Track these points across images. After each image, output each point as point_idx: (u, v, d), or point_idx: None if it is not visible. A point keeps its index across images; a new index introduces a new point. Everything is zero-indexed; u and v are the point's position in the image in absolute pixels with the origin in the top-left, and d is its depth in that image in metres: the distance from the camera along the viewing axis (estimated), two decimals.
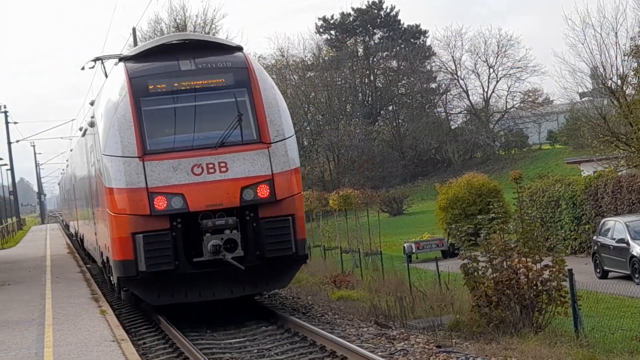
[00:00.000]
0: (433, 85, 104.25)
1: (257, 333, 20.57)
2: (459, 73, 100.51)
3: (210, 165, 20.58)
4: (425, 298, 23.65)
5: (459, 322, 20.23)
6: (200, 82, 21.43)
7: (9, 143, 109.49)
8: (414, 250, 42.29)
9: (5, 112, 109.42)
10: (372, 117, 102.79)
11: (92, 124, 24.39)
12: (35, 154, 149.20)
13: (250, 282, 21.36)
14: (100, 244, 26.06)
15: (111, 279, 23.85)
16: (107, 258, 23.64)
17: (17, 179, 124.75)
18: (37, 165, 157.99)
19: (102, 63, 26.88)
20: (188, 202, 20.39)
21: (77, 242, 52.13)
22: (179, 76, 21.41)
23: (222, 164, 20.61)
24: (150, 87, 21.27)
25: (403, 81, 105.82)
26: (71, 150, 50.89)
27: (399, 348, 17.63)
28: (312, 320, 21.61)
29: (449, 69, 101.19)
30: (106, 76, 25.01)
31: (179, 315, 23.20)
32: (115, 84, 21.77)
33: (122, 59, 22.48)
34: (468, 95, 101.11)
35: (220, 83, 21.51)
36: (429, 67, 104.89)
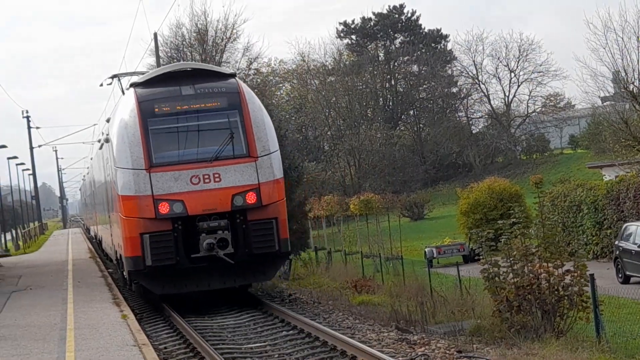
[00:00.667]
0: (454, 90, 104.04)
1: (277, 338, 20.63)
2: (480, 77, 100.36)
3: (206, 176, 23.89)
4: (446, 303, 23.58)
5: (480, 327, 20.16)
6: (199, 105, 24.87)
7: (31, 148, 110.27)
8: (435, 255, 42.22)
9: (28, 117, 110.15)
10: (393, 121, 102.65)
11: (107, 140, 27.80)
12: (57, 158, 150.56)
13: (240, 275, 24.54)
14: (115, 244, 29.18)
15: (123, 273, 26.89)
16: (120, 255, 26.69)
17: (39, 184, 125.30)
18: (59, 170, 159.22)
19: (119, 80, 30.24)
20: (187, 207, 23.74)
21: (96, 244, 52.42)
22: (181, 100, 24.87)
23: (216, 175, 23.91)
24: (156, 109, 24.68)
25: (424, 86, 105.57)
26: (91, 158, 52.06)
27: (419, 353, 17.63)
28: (333, 325, 21.68)
29: (470, 73, 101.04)
30: (122, 92, 28.35)
31: (201, 320, 23.37)
32: (126, 107, 25.18)
33: (133, 84, 25.91)
34: (489, 100, 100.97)
35: (216, 105, 24.94)
36: (450, 72, 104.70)
